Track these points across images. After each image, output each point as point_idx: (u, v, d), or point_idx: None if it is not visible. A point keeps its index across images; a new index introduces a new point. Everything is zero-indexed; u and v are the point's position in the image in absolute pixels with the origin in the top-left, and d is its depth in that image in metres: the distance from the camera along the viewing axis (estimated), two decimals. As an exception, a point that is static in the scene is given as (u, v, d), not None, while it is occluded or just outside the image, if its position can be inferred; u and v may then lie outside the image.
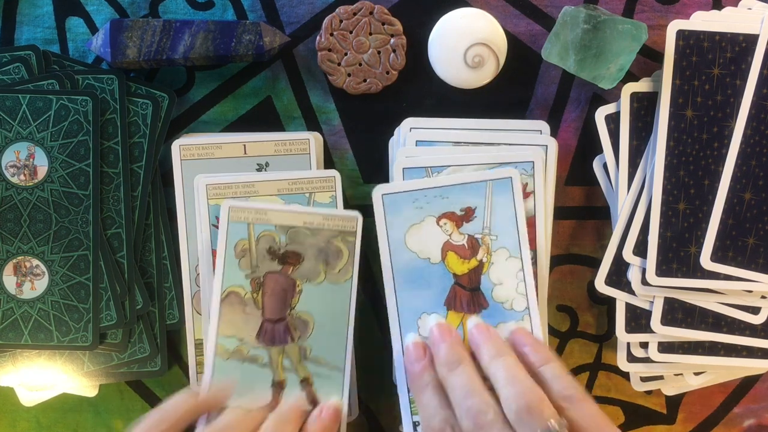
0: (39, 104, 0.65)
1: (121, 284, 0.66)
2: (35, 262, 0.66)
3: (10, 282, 0.66)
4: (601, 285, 0.67)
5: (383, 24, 0.67)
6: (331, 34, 0.68)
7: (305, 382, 0.65)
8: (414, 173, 0.66)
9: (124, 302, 0.67)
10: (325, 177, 0.66)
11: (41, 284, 0.66)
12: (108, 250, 0.66)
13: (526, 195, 0.66)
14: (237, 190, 0.66)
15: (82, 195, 0.66)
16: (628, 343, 0.68)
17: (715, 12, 0.65)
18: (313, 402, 0.64)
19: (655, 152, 0.65)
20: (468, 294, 0.65)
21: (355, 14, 0.67)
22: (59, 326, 0.66)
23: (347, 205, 0.68)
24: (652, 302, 0.66)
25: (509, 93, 0.69)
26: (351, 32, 0.68)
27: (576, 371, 0.71)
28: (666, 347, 0.67)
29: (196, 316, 0.68)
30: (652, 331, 0.66)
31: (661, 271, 0.65)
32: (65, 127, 0.65)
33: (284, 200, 0.66)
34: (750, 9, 0.65)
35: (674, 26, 0.65)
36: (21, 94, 0.65)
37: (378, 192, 0.65)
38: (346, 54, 0.68)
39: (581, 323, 0.71)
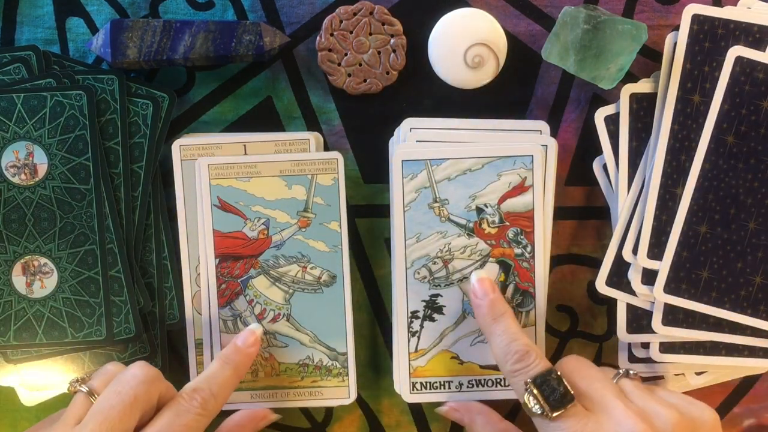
0: (33, 102, 0.65)
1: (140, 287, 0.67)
2: (43, 260, 0.66)
3: (20, 282, 0.66)
4: (601, 286, 0.67)
5: (383, 24, 0.68)
6: (331, 35, 0.68)
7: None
8: (413, 166, 0.66)
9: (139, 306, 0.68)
10: (327, 159, 0.66)
11: (51, 282, 0.66)
12: (125, 248, 0.66)
13: (524, 189, 0.66)
14: (239, 170, 0.66)
15: (84, 189, 0.66)
16: (630, 344, 0.68)
17: (717, 8, 0.65)
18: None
19: (657, 142, 0.65)
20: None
21: (355, 14, 0.67)
22: (72, 322, 0.66)
23: (347, 205, 0.68)
24: (653, 303, 0.66)
25: (509, 93, 0.69)
26: (351, 32, 0.68)
27: (576, 371, 0.71)
28: (667, 347, 0.67)
29: (197, 316, 0.68)
30: (653, 332, 0.66)
31: (653, 254, 0.65)
32: (62, 123, 0.65)
33: (286, 182, 0.66)
34: (749, 8, 0.65)
35: (690, 10, 0.64)
36: (15, 93, 0.65)
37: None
38: (346, 54, 0.68)
39: (581, 323, 0.71)
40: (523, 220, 0.66)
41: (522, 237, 0.66)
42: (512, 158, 0.65)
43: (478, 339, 0.67)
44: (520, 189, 0.66)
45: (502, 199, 0.66)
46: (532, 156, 0.65)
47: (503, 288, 0.67)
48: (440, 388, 0.67)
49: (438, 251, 0.66)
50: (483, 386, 0.67)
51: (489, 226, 0.66)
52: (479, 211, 0.66)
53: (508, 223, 0.66)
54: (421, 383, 0.67)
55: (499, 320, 0.63)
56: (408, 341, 0.67)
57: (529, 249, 0.66)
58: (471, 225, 0.66)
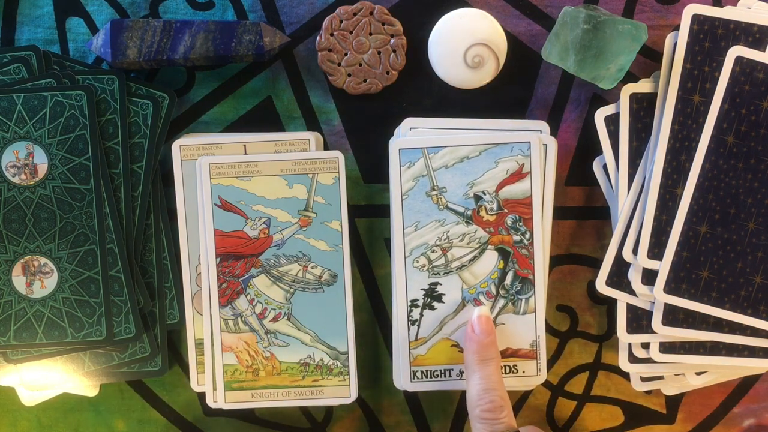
0: (34, 102, 0.65)
1: (140, 287, 0.67)
2: (43, 260, 0.66)
3: (20, 282, 0.66)
4: (602, 286, 0.67)
5: (383, 24, 0.68)
6: (331, 35, 0.68)
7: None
8: (410, 154, 0.66)
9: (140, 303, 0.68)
10: (328, 158, 0.66)
11: (51, 282, 0.66)
12: (125, 248, 0.67)
13: (522, 175, 0.66)
14: (240, 170, 0.66)
15: (84, 189, 0.66)
16: (630, 344, 0.68)
17: (717, 8, 0.65)
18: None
19: (657, 142, 0.65)
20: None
21: (355, 14, 0.67)
22: (72, 322, 0.66)
23: (347, 205, 0.68)
24: (653, 303, 0.66)
25: (509, 93, 0.69)
26: (351, 32, 0.68)
27: (576, 371, 0.71)
28: (667, 348, 0.67)
29: (197, 316, 0.68)
30: (653, 332, 0.66)
31: (653, 254, 0.65)
32: (62, 123, 0.65)
33: (287, 181, 0.66)
34: (749, 8, 0.65)
35: (690, 10, 0.64)
36: (15, 93, 0.65)
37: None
38: (346, 54, 0.68)
39: (581, 323, 0.71)
40: (521, 207, 0.66)
41: (521, 224, 0.66)
42: (509, 145, 0.65)
43: None
44: (518, 176, 0.66)
45: (500, 186, 0.66)
46: (530, 142, 0.65)
47: (502, 275, 0.67)
48: (441, 377, 0.67)
49: (437, 239, 0.66)
50: None
51: (487, 213, 0.66)
52: (477, 198, 0.66)
53: (506, 210, 0.66)
54: (422, 372, 0.67)
55: (487, 363, 0.63)
56: (408, 330, 0.67)
57: (527, 236, 0.66)
58: (469, 212, 0.66)
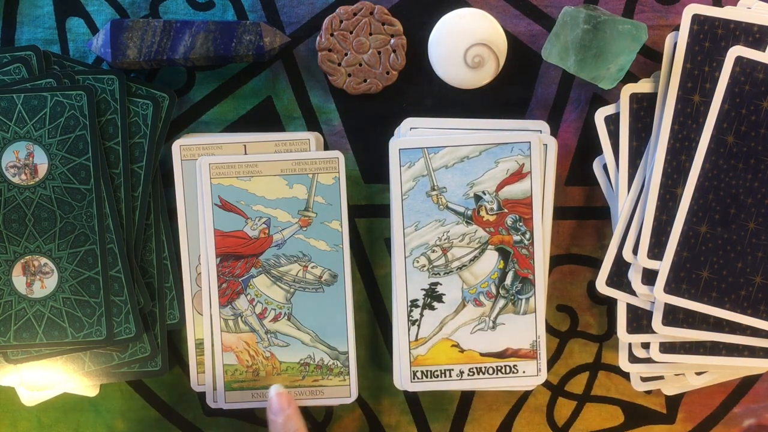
0: (34, 102, 0.65)
1: (139, 285, 0.67)
2: (43, 260, 0.66)
3: (20, 282, 0.66)
4: (602, 286, 0.67)
5: (383, 24, 0.68)
6: (332, 35, 0.68)
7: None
8: (410, 154, 0.66)
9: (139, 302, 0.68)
10: (328, 158, 0.66)
11: (51, 282, 0.66)
12: (125, 248, 0.67)
13: (522, 175, 0.66)
14: (240, 170, 0.66)
15: (84, 189, 0.66)
16: (630, 344, 0.68)
17: (717, 8, 0.65)
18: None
19: (657, 142, 0.65)
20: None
21: (355, 14, 0.67)
22: (72, 322, 0.66)
23: (347, 205, 0.68)
24: (653, 303, 0.66)
25: (509, 93, 0.69)
26: (351, 32, 0.68)
27: (576, 371, 0.71)
28: (668, 348, 0.67)
29: (197, 316, 0.68)
30: (653, 332, 0.66)
31: (653, 254, 0.65)
32: (62, 123, 0.65)
33: (287, 181, 0.66)
34: (749, 8, 0.65)
35: (690, 10, 0.64)
36: (15, 93, 0.65)
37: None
38: (346, 54, 0.68)
39: (581, 323, 0.71)
40: (521, 207, 0.66)
41: (521, 224, 0.66)
42: (509, 145, 0.66)
43: (478, 327, 0.67)
44: (518, 176, 0.66)
45: (501, 186, 0.66)
46: (530, 142, 0.65)
47: (502, 275, 0.67)
48: (441, 377, 0.67)
49: (437, 239, 0.66)
50: (483, 374, 0.67)
51: (487, 213, 0.66)
52: (477, 198, 0.66)
53: (506, 210, 0.66)
54: (422, 372, 0.67)
55: None
56: (408, 330, 0.67)
57: (528, 236, 0.66)
58: (469, 212, 0.66)
